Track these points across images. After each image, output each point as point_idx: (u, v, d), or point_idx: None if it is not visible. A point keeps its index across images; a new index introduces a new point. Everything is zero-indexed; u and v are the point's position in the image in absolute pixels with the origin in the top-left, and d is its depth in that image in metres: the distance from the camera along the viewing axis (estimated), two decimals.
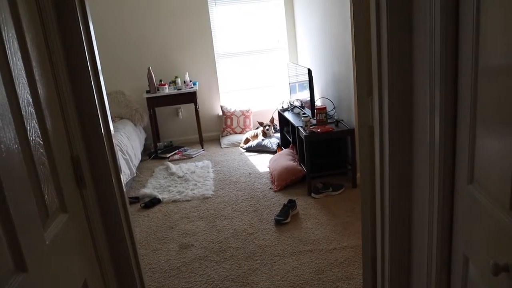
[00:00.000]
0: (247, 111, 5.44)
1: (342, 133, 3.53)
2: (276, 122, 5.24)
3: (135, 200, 3.73)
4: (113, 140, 1.53)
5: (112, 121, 1.79)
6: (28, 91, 1.06)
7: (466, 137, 1.04)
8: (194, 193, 3.74)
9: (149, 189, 3.89)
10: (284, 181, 3.70)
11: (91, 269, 1.35)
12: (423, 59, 1.21)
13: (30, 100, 1.07)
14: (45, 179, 1.09)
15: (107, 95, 5.00)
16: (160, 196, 3.72)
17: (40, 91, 1.14)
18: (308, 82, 3.78)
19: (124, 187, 1.59)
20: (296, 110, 4.39)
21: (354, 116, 3.54)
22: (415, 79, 1.29)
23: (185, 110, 5.49)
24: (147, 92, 4.97)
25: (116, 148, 1.56)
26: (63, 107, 1.30)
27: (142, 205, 3.60)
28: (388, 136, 1.40)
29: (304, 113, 3.98)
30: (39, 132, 1.09)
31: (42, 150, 1.10)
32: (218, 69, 5.48)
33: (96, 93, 1.44)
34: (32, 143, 1.04)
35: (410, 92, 1.33)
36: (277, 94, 5.62)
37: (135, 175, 4.17)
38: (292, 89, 4.69)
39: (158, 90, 4.90)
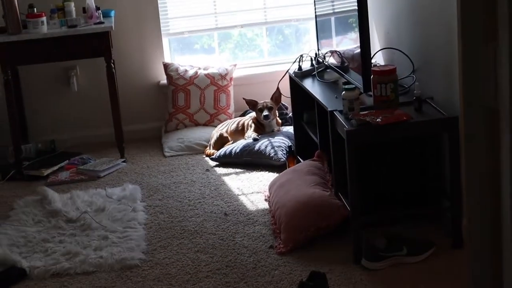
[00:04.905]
0: (223, 77, 5.60)
1: (431, 127, 3.62)
2: (286, 101, 5.29)
3: None
4: None
5: None
6: None
7: None
8: (101, 258, 3.74)
9: (0, 248, 3.82)
10: (302, 232, 3.72)
11: None
12: None
13: None
14: None
15: None
16: (25, 264, 3.74)
17: None
18: (357, 15, 3.85)
19: None
20: (330, 75, 4.51)
21: (458, 90, 3.46)
22: None
23: (85, 73, 5.77)
24: (1, 32, 5.16)
25: None
26: None
27: None
28: None
29: (348, 82, 3.93)
30: None
31: None
32: None
33: None
34: None
35: None
36: (290, 39, 5.81)
37: None
38: (321, 29, 4.85)
39: (25, 28, 5.07)
